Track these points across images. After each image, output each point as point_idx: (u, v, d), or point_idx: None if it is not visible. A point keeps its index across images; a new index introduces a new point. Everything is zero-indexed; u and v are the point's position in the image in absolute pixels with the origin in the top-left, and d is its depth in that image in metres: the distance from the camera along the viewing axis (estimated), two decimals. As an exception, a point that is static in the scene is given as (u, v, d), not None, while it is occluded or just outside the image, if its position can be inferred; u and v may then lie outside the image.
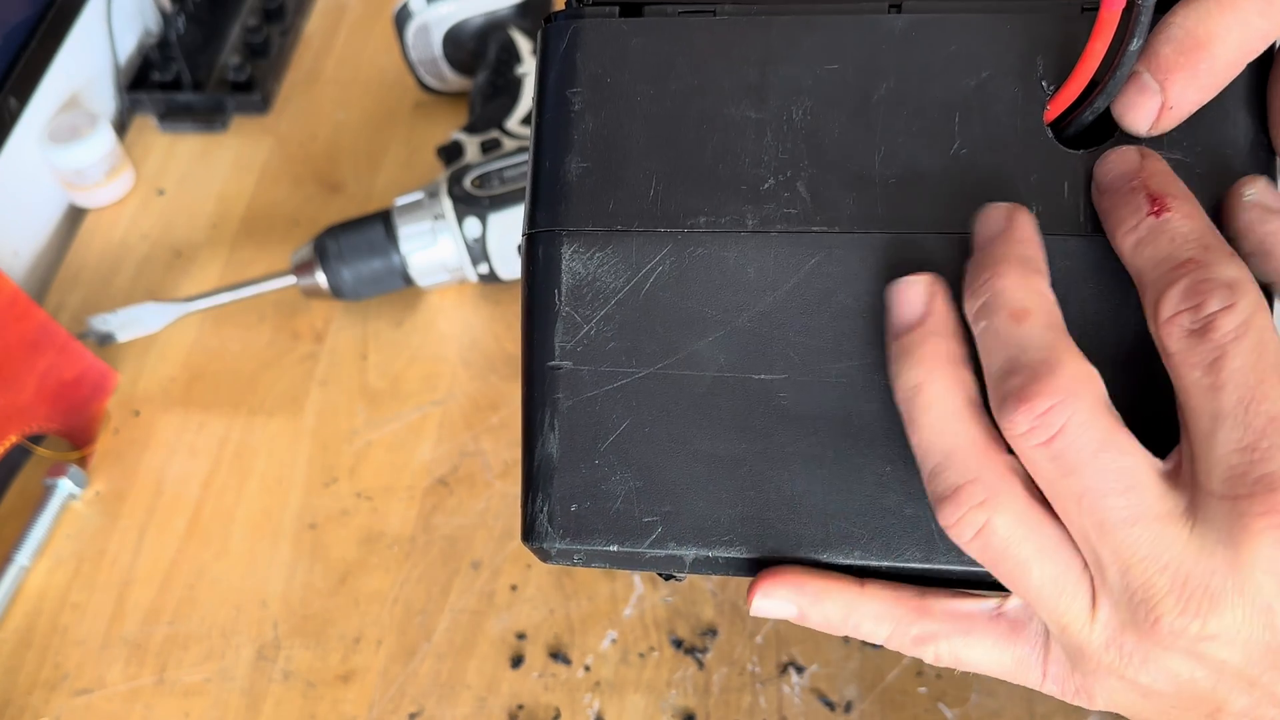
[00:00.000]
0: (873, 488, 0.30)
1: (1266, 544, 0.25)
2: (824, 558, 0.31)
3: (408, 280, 0.66)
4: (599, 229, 0.31)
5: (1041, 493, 0.28)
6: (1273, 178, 0.30)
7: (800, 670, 0.54)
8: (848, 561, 0.31)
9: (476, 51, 0.74)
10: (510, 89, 0.71)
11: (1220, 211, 0.29)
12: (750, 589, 0.31)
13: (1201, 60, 0.28)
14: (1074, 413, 0.26)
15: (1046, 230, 0.30)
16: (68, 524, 0.62)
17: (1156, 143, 0.30)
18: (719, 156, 0.31)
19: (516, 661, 0.55)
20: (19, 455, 0.64)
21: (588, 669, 0.55)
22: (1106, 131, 0.30)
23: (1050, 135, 0.30)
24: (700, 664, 0.55)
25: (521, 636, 0.56)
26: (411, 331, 0.68)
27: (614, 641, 0.56)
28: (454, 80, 0.77)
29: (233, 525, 0.61)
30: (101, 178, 0.75)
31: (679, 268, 0.31)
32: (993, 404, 0.27)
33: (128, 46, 0.82)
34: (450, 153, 0.67)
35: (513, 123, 0.68)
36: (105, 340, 0.66)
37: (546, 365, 0.31)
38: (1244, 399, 0.25)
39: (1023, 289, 0.28)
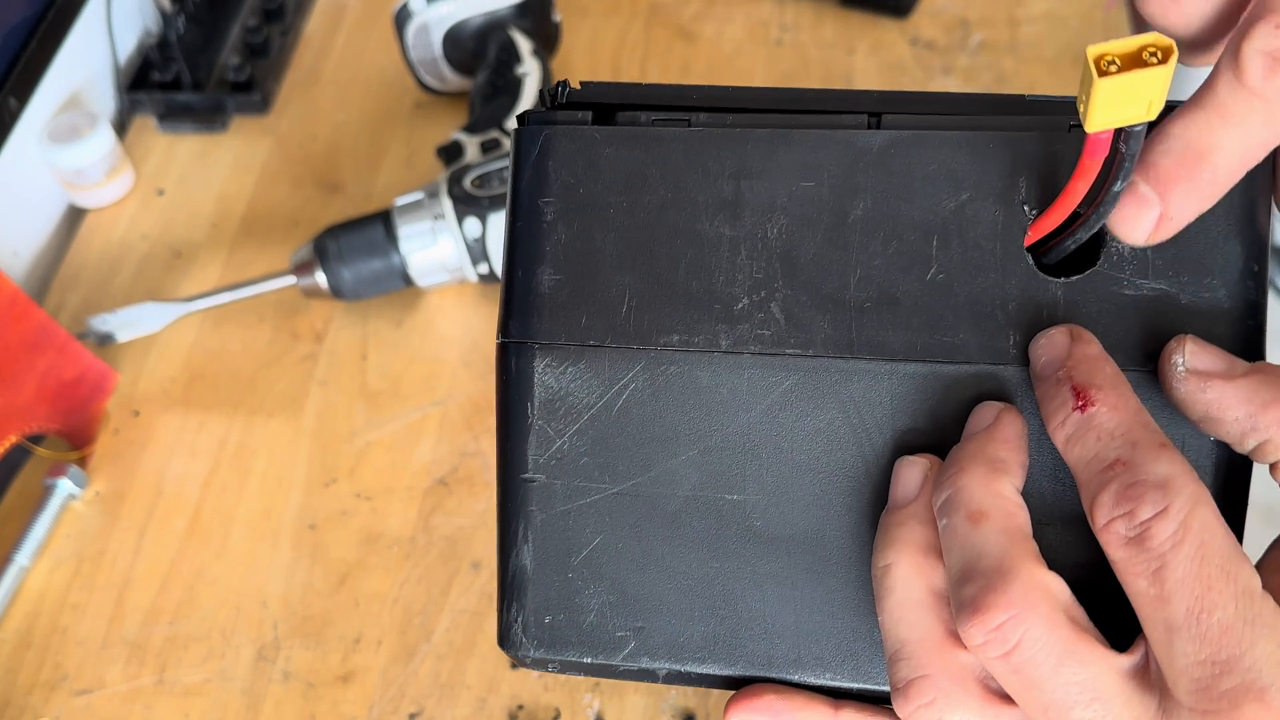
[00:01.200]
0: (845, 610, 0.30)
1: None
2: (795, 678, 0.31)
3: (408, 280, 0.66)
4: (572, 343, 0.31)
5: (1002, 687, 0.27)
6: (1262, 307, 0.29)
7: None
8: (819, 683, 0.31)
9: (476, 51, 0.74)
10: (510, 89, 0.71)
11: (1159, 378, 0.28)
12: (726, 710, 0.31)
13: (1203, 171, 0.27)
14: (1029, 627, 0.25)
15: (1023, 361, 0.29)
16: (68, 524, 0.62)
17: (1140, 271, 0.29)
18: (692, 273, 0.31)
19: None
20: (19, 455, 0.64)
21: (588, 669, 0.55)
22: (1089, 259, 0.29)
23: (1030, 261, 0.30)
24: (700, 664, 0.55)
25: (521, 637, 0.56)
26: (411, 332, 0.68)
27: (614, 642, 0.56)
28: (454, 80, 0.77)
29: (233, 525, 0.61)
30: (101, 178, 0.75)
31: (652, 386, 0.31)
32: (952, 608, 0.27)
33: (128, 46, 0.82)
34: (450, 153, 0.67)
35: (513, 122, 0.68)
36: (105, 340, 0.66)
37: (520, 477, 0.31)
38: (1193, 609, 0.24)
39: (983, 489, 0.27)
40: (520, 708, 0.54)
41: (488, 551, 0.59)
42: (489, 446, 0.63)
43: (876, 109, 0.31)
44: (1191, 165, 0.27)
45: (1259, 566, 0.27)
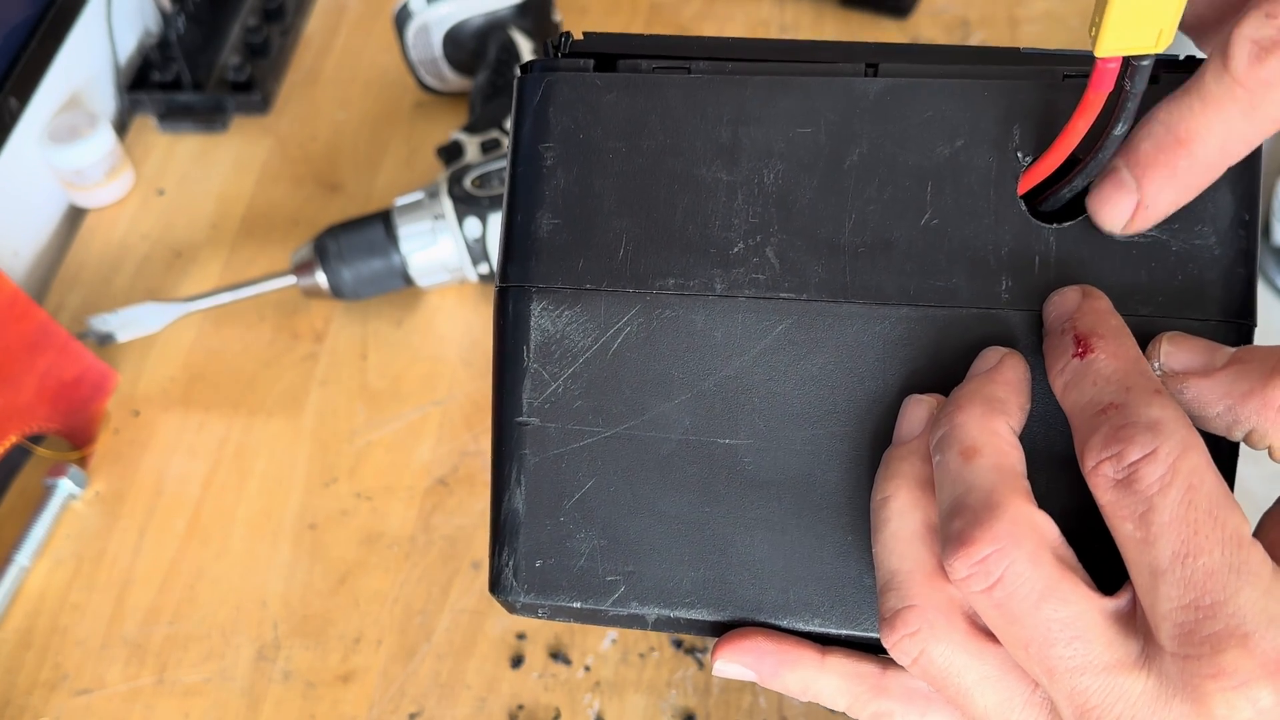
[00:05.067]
0: (834, 556, 0.31)
1: (1220, 705, 0.24)
2: (784, 623, 0.31)
3: (408, 280, 0.66)
4: (568, 287, 0.31)
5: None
6: (1253, 255, 0.29)
7: (800, 670, 0.54)
8: (807, 628, 0.31)
9: (476, 51, 0.75)
10: (510, 89, 0.71)
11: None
12: (713, 651, 0.31)
13: (1180, 159, 0.27)
14: (1013, 561, 0.25)
15: (1015, 306, 0.30)
16: (68, 524, 0.62)
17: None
18: (689, 217, 0.31)
19: (516, 661, 0.55)
20: (19, 455, 0.64)
21: (588, 669, 0.55)
22: (1081, 206, 0.30)
23: (1023, 208, 0.30)
24: (700, 664, 0.55)
25: (521, 637, 0.56)
26: (411, 331, 0.68)
27: (614, 642, 0.56)
28: (454, 80, 0.77)
29: (233, 525, 0.61)
30: (101, 178, 0.75)
31: (647, 329, 0.31)
32: (940, 543, 0.27)
33: (128, 46, 0.82)
34: (450, 153, 0.67)
35: (513, 123, 0.68)
36: (105, 340, 0.66)
37: (514, 421, 0.32)
38: (1179, 553, 0.24)
39: (978, 426, 0.27)
40: (520, 708, 0.54)
41: (488, 551, 0.59)
42: (489, 446, 0.62)
43: (874, 59, 0.31)
44: (1169, 151, 0.27)
45: (1263, 521, 0.27)
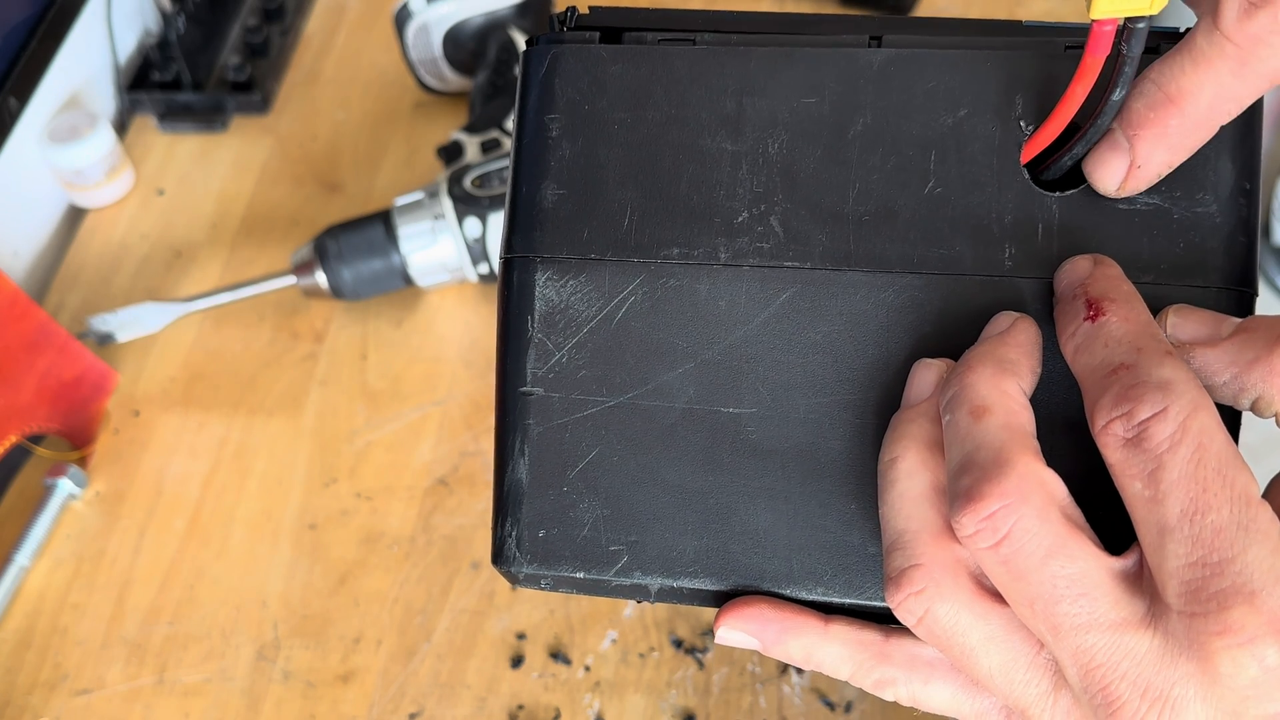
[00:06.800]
0: (837, 525, 0.31)
1: (1226, 662, 0.24)
2: (787, 592, 0.31)
3: (408, 280, 0.66)
4: (573, 257, 0.31)
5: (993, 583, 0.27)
6: (1253, 224, 0.29)
7: (800, 670, 0.54)
8: (810, 597, 0.31)
9: (476, 51, 0.75)
10: (510, 89, 0.71)
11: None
12: (716, 619, 0.31)
13: (1171, 117, 0.27)
14: (1020, 517, 0.25)
15: (1019, 273, 0.30)
16: (68, 524, 0.62)
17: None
18: (694, 187, 0.31)
19: (516, 661, 0.55)
20: (19, 455, 0.64)
21: (588, 669, 0.55)
22: (1084, 174, 0.30)
23: (1026, 176, 0.30)
24: (700, 664, 0.55)
25: (521, 636, 0.56)
26: (411, 331, 0.68)
27: (614, 642, 0.56)
28: (454, 80, 0.77)
29: (233, 525, 0.61)
30: (101, 178, 0.75)
31: (651, 298, 0.31)
32: (948, 501, 0.27)
33: (128, 46, 0.82)
34: (450, 153, 0.67)
35: (513, 123, 0.68)
36: (105, 340, 0.66)
37: (518, 391, 0.32)
38: (1187, 510, 0.24)
39: (988, 386, 0.27)
40: (520, 708, 0.54)
41: (488, 551, 0.59)
42: (489, 446, 0.63)
43: (877, 31, 0.31)
44: (1161, 110, 0.27)
45: (1272, 484, 0.27)
